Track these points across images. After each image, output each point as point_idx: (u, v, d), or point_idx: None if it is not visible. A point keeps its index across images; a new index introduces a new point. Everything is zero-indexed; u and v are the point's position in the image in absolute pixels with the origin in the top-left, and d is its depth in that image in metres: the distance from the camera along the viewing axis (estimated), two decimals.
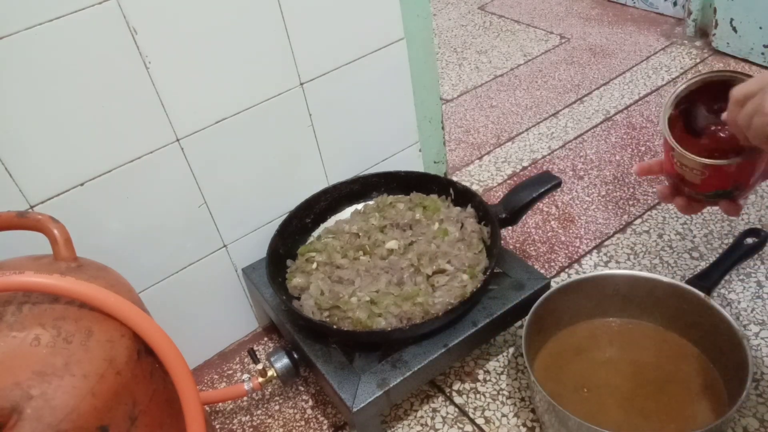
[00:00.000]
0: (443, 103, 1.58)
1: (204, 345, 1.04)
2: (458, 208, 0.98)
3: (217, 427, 0.94)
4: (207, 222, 0.93)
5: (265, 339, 1.07)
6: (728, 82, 0.68)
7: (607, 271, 0.90)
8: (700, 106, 0.74)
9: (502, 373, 0.95)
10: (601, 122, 1.44)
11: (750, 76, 0.65)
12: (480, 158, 1.40)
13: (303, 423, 0.93)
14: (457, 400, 0.92)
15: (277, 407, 0.96)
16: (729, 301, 0.99)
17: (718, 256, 0.98)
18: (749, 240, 1.00)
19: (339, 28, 0.92)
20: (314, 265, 0.92)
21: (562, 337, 0.91)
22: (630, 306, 0.91)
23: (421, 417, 0.91)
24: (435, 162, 1.23)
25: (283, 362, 0.87)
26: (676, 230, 1.13)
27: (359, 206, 1.04)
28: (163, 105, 0.80)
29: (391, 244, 0.92)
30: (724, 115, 0.63)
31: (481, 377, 0.95)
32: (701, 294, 0.84)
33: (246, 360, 1.04)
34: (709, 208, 1.17)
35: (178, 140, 0.84)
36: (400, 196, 1.03)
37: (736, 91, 0.59)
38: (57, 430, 0.52)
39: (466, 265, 0.88)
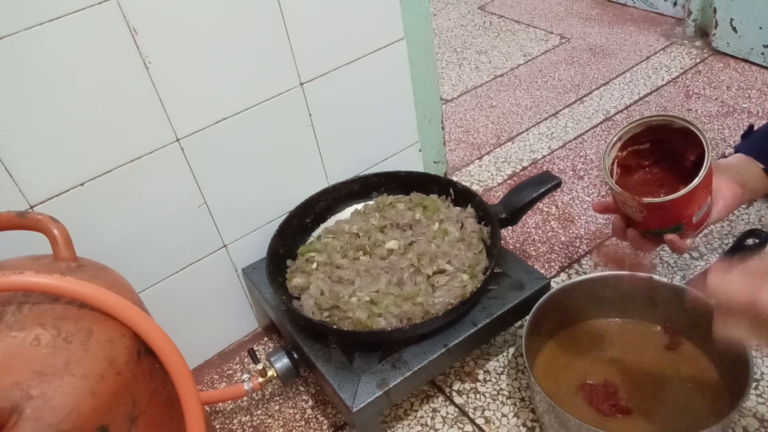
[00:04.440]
0: (443, 103, 1.58)
1: (204, 345, 1.04)
2: (458, 208, 0.98)
3: (217, 427, 0.94)
4: (207, 222, 0.93)
5: (265, 339, 1.07)
6: (669, 126, 0.70)
7: (607, 272, 0.90)
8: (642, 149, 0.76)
9: (502, 373, 0.95)
10: (601, 122, 1.44)
11: (686, 121, 0.68)
12: (480, 158, 1.40)
13: (303, 423, 0.93)
14: (457, 400, 0.92)
15: (277, 407, 0.96)
16: None
17: (718, 256, 0.98)
18: (750, 241, 1.00)
19: (339, 28, 0.92)
20: (314, 265, 0.92)
21: (562, 338, 0.91)
22: (630, 306, 0.91)
23: (421, 417, 0.91)
24: (435, 162, 1.23)
25: (283, 362, 0.87)
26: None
27: (359, 206, 1.04)
28: (163, 105, 0.80)
29: (391, 244, 0.92)
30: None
31: (481, 377, 0.95)
32: (702, 295, 0.84)
33: (246, 360, 1.04)
34: None
35: (178, 140, 0.84)
36: (400, 196, 1.03)
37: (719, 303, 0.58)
38: (57, 430, 0.52)
39: (466, 265, 0.88)
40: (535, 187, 0.94)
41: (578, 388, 0.84)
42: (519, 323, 0.94)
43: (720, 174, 0.76)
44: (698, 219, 0.72)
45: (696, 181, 0.66)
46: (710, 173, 0.69)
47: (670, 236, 0.74)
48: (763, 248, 1.01)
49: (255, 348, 1.06)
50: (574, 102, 1.53)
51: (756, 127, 0.88)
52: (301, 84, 0.92)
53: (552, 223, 1.20)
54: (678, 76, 1.55)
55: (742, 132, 0.90)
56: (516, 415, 0.89)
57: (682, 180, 0.73)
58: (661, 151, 0.76)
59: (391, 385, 0.79)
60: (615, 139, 0.73)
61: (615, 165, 0.75)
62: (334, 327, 0.83)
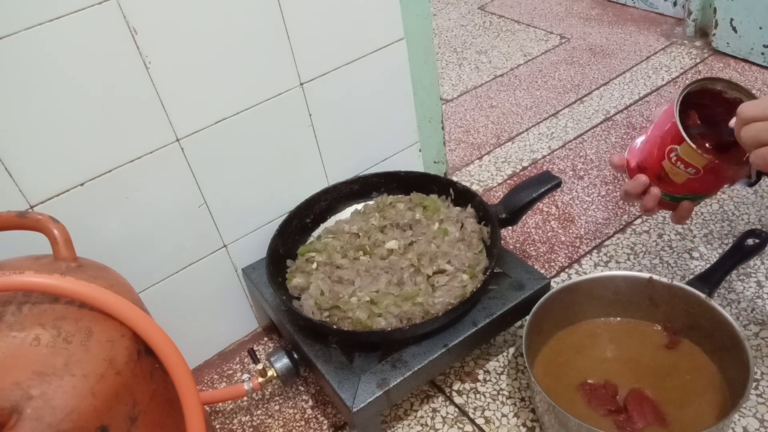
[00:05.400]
0: (443, 103, 1.58)
1: (204, 345, 1.04)
2: (458, 208, 0.98)
3: (217, 427, 0.94)
4: (207, 222, 0.93)
5: (265, 339, 1.07)
6: (720, 89, 0.70)
7: (607, 272, 0.90)
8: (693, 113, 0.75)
9: (502, 373, 0.95)
10: (601, 122, 1.44)
11: (740, 87, 0.67)
12: (480, 158, 1.40)
13: (303, 423, 0.93)
14: (457, 400, 0.92)
15: (277, 407, 0.96)
16: (729, 301, 0.99)
17: (718, 256, 0.98)
18: (750, 241, 1.00)
19: (339, 28, 0.92)
20: (314, 265, 0.92)
21: (563, 337, 0.91)
22: (630, 306, 0.91)
23: (421, 417, 0.91)
24: (435, 162, 1.23)
25: (283, 362, 0.87)
26: (676, 230, 1.13)
27: (359, 206, 1.04)
28: (163, 105, 0.80)
29: (391, 244, 0.92)
30: (732, 122, 0.64)
31: (481, 377, 0.95)
32: (702, 295, 0.84)
33: (246, 360, 1.04)
34: (709, 207, 1.18)
35: (178, 140, 0.84)
36: (400, 196, 1.03)
37: (743, 111, 0.62)
38: (57, 430, 0.52)
39: (466, 265, 0.88)
40: (535, 187, 0.94)
41: (578, 388, 0.84)
42: (519, 323, 0.94)
43: None
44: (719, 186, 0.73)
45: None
46: None
47: (688, 204, 0.74)
48: (763, 248, 1.01)
49: (255, 348, 1.06)
50: (574, 102, 1.53)
51: None
52: (301, 84, 0.92)
53: (552, 223, 1.20)
54: (678, 76, 1.55)
55: None
56: (516, 415, 0.89)
57: (719, 146, 0.73)
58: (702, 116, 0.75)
59: (391, 385, 0.79)
60: (680, 97, 0.72)
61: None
62: (334, 327, 0.83)
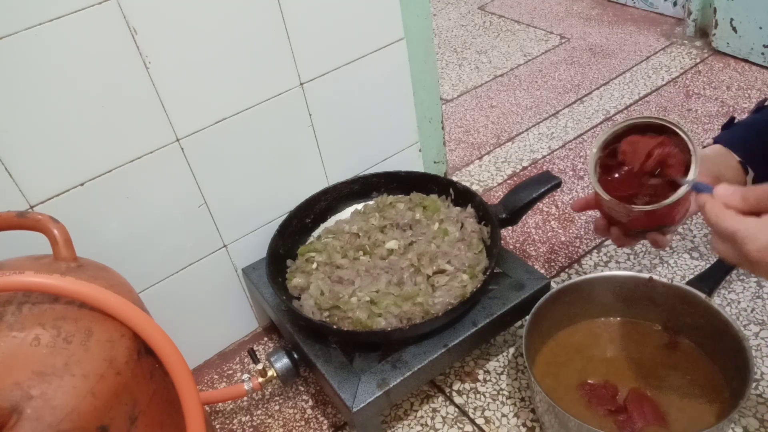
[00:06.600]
0: (443, 103, 1.58)
1: (204, 345, 1.04)
2: (458, 208, 0.98)
3: (217, 427, 0.94)
4: (207, 222, 0.93)
5: (265, 339, 1.07)
6: (651, 126, 0.69)
7: (607, 272, 0.90)
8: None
9: (502, 373, 0.95)
10: (601, 122, 1.44)
11: (672, 123, 0.67)
12: (480, 158, 1.40)
13: (303, 423, 0.93)
14: (457, 400, 0.92)
15: (277, 407, 0.96)
16: (729, 301, 0.99)
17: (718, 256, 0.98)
18: None
19: (339, 28, 0.92)
20: (314, 265, 0.92)
21: (563, 337, 0.91)
22: (630, 307, 0.91)
23: (421, 417, 0.91)
24: (435, 162, 1.23)
25: (283, 362, 0.87)
26: (676, 230, 1.13)
27: (359, 206, 1.04)
28: (163, 105, 0.80)
29: (391, 244, 0.92)
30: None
31: (481, 377, 0.95)
32: (702, 295, 0.84)
33: (246, 360, 1.04)
34: None
35: (178, 140, 0.84)
36: (400, 196, 1.03)
37: (716, 227, 0.60)
38: (57, 430, 0.52)
39: (466, 265, 0.88)
40: (535, 187, 0.94)
41: (578, 388, 0.84)
42: (519, 323, 0.94)
43: None
44: (680, 216, 0.73)
45: (684, 189, 0.65)
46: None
47: (652, 235, 0.74)
48: None
49: (255, 348, 1.06)
50: (574, 102, 1.53)
51: (737, 120, 0.87)
52: (301, 84, 0.92)
53: (552, 223, 1.20)
54: (678, 76, 1.55)
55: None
56: (516, 415, 0.89)
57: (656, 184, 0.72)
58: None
59: (391, 385, 0.79)
60: (600, 142, 0.72)
61: (597, 166, 0.74)
62: (334, 327, 0.83)
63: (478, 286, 0.84)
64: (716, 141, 0.83)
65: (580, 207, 0.83)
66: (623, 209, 0.69)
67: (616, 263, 1.09)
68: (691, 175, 0.65)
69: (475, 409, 0.91)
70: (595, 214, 1.19)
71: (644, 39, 1.73)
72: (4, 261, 0.65)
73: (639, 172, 0.69)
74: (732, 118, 0.87)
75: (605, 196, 0.69)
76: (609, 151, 0.72)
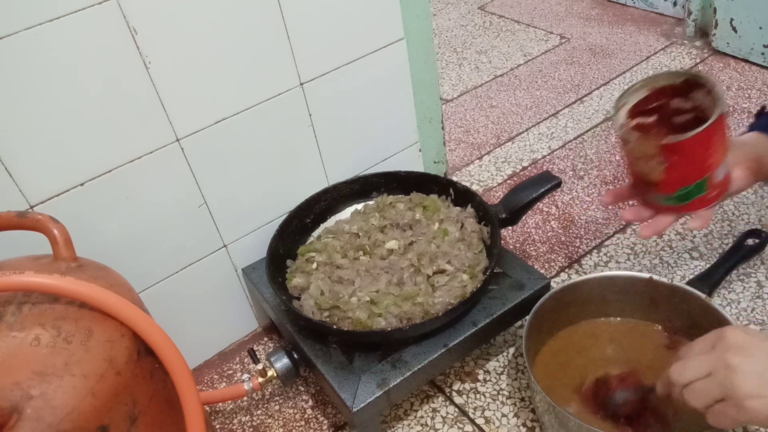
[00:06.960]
0: (443, 103, 1.58)
1: (204, 345, 1.04)
2: (458, 208, 0.98)
3: (217, 427, 0.94)
4: (207, 222, 0.93)
5: (265, 339, 1.07)
6: (673, 85, 0.69)
7: (607, 272, 0.90)
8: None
9: (502, 373, 0.95)
10: (601, 122, 1.44)
11: (689, 73, 0.67)
12: (480, 158, 1.40)
13: (303, 423, 0.93)
14: (457, 400, 0.92)
15: (277, 407, 0.96)
16: (729, 301, 0.99)
17: (718, 256, 0.98)
18: (750, 241, 1.00)
19: (339, 28, 0.92)
20: (314, 265, 0.92)
21: (563, 337, 0.91)
22: (630, 306, 0.91)
23: (421, 417, 0.91)
24: (435, 162, 1.23)
25: (283, 362, 0.87)
26: (676, 230, 1.13)
27: (359, 206, 1.04)
28: (163, 105, 0.80)
29: (391, 244, 0.92)
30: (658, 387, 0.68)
31: (481, 377, 0.95)
32: (702, 295, 0.84)
33: (246, 360, 1.04)
34: None
35: (178, 140, 0.84)
36: (400, 196, 1.03)
37: (677, 377, 0.62)
38: (57, 430, 0.52)
39: (466, 265, 0.88)
40: (535, 187, 0.94)
41: (578, 388, 0.84)
42: (519, 323, 0.94)
43: (735, 150, 0.75)
44: (720, 179, 0.70)
45: (714, 116, 0.64)
46: (725, 117, 0.67)
47: (694, 201, 0.72)
48: (763, 248, 1.01)
49: (255, 348, 1.06)
50: (574, 102, 1.53)
51: None
52: (301, 84, 0.92)
53: (552, 223, 1.20)
54: None
55: (756, 111, 0.89)
56: (516, 415, 0.89)
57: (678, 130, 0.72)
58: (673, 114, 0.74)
59: (391, 385, 0.79)
60: (631, 90, 0.71)
61: (627, 117, 0.72)
62: (334, 327, 0.83)
63: (478, 286, 0.84)
64: (752, 128, 0.83)
65: (612, 199, 0.81)
66: (654, 151, 0.67)
67: (616, 263, 1.09)
68: (718, 108, 0.64)
69: (475, 409, 0.91)
70: (595, 214, 1.19)
71: (644, 39, 1.73)
72: (4, 261, 0.65)
73: (671, 112, 0.69)
74: (763, 107, 0.88)
75: (632, 134, 0.67)
76: (633, 110, 0.72)
